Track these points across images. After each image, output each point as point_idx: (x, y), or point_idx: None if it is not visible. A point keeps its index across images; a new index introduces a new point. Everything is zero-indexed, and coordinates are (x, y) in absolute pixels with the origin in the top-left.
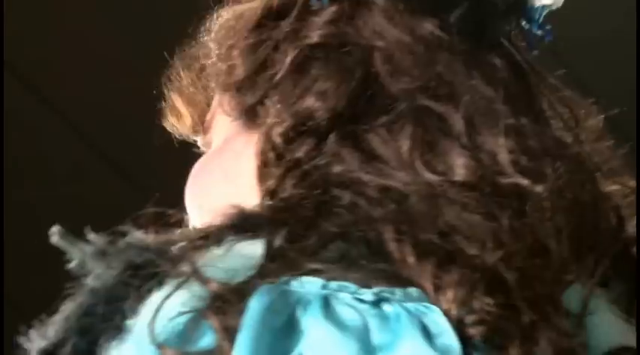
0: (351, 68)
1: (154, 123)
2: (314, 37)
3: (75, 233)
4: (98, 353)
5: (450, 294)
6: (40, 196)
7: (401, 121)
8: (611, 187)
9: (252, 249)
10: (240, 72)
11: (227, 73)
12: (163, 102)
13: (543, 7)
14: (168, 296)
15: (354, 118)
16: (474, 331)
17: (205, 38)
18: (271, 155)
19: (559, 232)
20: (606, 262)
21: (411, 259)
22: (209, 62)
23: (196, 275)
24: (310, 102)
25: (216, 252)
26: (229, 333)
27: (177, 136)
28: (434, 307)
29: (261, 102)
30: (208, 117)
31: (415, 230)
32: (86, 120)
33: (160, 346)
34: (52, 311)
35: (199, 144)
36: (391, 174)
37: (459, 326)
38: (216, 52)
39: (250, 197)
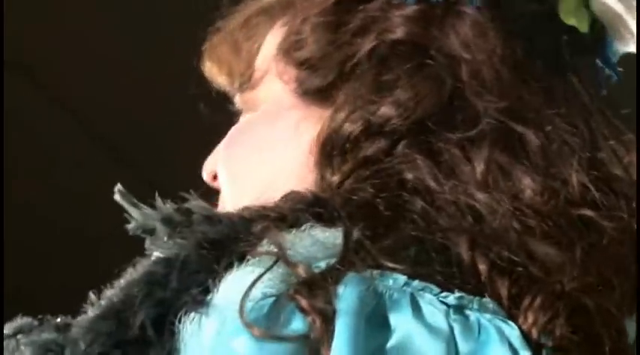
0: (440, 78)
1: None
2: (398, 32)
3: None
4: (170, 324)
5: (530, 317)
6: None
7: (480, 139)
8: None
9: (328, 237)
10: (314, 49)
11: (295, 45)
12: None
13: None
14: (258, 278)
15: (432, 129)
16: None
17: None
18: (337, 147)
19: (621, 267)
20: None
21: (484, 272)
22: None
23: (283, 257)
24: (389, 109)
25: (296, 235)
26: (322, 317)
27: (213, 91)
28: (513, 323)
29: (333, 87)
30: (258, 74)
31: (490, 246)
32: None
33: (249, 325)
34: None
35: (237, 100)
36: (468, 192)
37: (537, 351)
38: (283, 17)
39: (296, 177)
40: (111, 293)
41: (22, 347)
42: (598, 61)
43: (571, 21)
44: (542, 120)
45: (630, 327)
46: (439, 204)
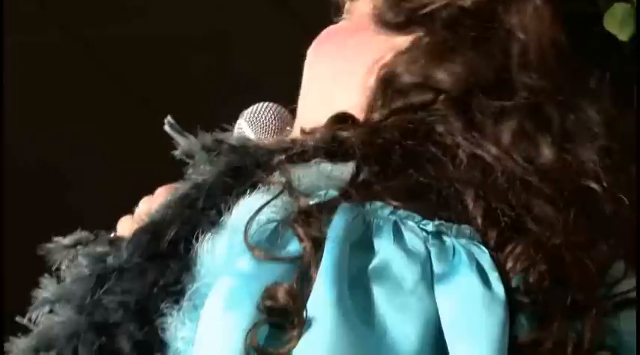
0: (492, 53)
1: None
2: (468, 1)
3: None
4: (194, 241)
5: (510, 263)
6: None
7: (513, 109)
8: None
9: (334, 171)
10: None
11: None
12: None
13: None
14: (264, 204)
15: (474, 93)
16: (525, 299)
17: None
18: (391, 88)
19: (613, 236)
20: None
21: (480, 219)
22: None
23: (289, 189)
24: (443, 75)
25: (305, 168)
26: (313, 243)
27: None
28: (485, 249)
29: (400, 27)
30: None
31: (491, 198)
32: None
33: (251, 247)
34: None
35: (346, 7)
36: (486, 148)
37: (512, 292)
38: None
39: (353, 93)
40: (155, 209)
41: (80, 257)
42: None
43: (611, 28)
44: (571, 106)
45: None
46: (457, 157)
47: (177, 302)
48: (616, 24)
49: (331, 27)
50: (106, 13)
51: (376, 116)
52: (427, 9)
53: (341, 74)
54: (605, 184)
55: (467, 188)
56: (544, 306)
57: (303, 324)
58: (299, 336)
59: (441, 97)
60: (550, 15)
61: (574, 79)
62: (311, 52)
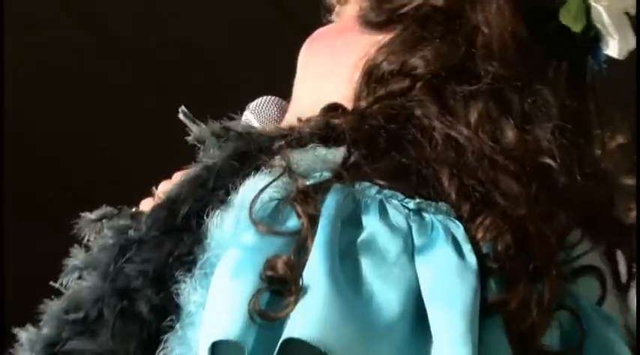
0: (458, 43)
1: None
2: (440, 1)
3: None
4: (205, 217)
5: (480, 233)
6: None
7: (479, 94)
8: (626, 184)
9: (328, 155)
10: None
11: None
12: None
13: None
14: (267, 185)
15: (445, 79)
16: (494, 265)
17: None
18: (373, 77)
19: (569, 206)
20: (601, 232)
21: (452, 195)
22: None
23: (289, 171)
24: (417, 61)
25: (302, 152)
26: (310, 219)
27: None
28: (460, 224)
29: (381, 26)
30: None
31: (463, 176)
32: None
33: (255, 222)
34: None
35: (335, 11)
36: (458, 129)
37: (482, 259)
38: None
39: (342, 85)
40: (170, 188)
41: (105, 230)
42: (589, 58)
43: (567, 21)
44: (529, 91)
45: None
46: (433, 138)
47: (189, 270)
48: (570, 18)
49: (321, 29)
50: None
51: (363, 104)
52: (405, 9)
53: (330, 70)
54: (559, 160)
55: (443, 167)
56: (510, 271)
57: (299, 291)
58: (296, 302)
59: (419, 84)
60: (511, 11)
61: (533, 67)
62: (303, 51)
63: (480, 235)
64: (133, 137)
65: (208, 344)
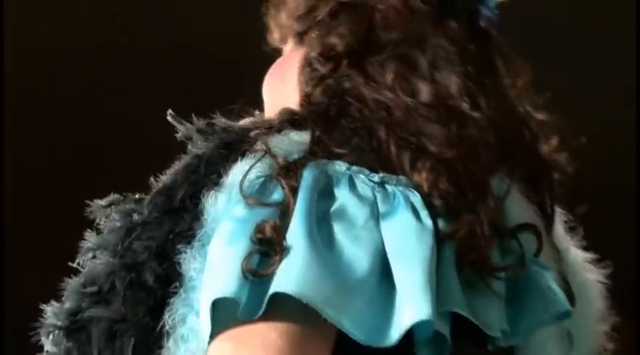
0: (361, 21)
1: None
2: None
3: None
4: (199, 198)
5: (423, 175)
6: None
7: (389, 59)
8: (535, 119)
9: (300, 137)
10: (300, 10)
11: (293, 9)
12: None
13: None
14: (252, 166)
15: (360, 53)
16: (438, 202)
17: None
18: (307, 69)
19: (487, 141)
20: (520, 164)
21: (393, 149)
22: (289, 6)
23: (269, 152)
24: (334, 39)
25: (279, 137)
26: (292, 191)
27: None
28: (416, 192)
29: (305, 32)
30: (284, 35)
31: (397, 130)
32: None
33: (245, 196)
34: None
35: (284, 50)
36: (383, 93)
37: (428, 198)
38: (292, 2)
39: (293, 94)
40: (165, 177)
41: (113, 214)
42: (481, 8)
43: None
44: (431, 47)
45: (494, 183)
46: (366, 103)
47: (189, 243)
48: None
49: (276, 61)
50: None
51: (308, 91)
52: (320, 12)
53: (283, 87)
54: (468, 100)
55: (379, 126)
56: (454, 206)
57: (282, 251)
58: (280, 260)
59: (343, 63)
60: None
61: (429, 26)
62: (265, 79)
63: (423, 177)
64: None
65: (209, 302)
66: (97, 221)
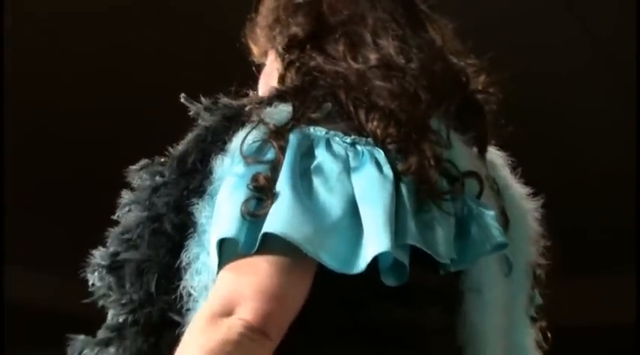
0: (313, 12)
1: None
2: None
3: None
4: (210, 161)
5: (375, 124)
6: None
7: (340, 38)
8: (462, 63)
9: (286, 108)
10: (269, 21)
11: (264, 23)
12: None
13: None
14: (249, 133)
15: (318, 37)
16: (391, 146)
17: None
18: (279, 60)
19: (425, 86)
20: (455, 104)
21: (352, 108)
22: (260, 24)
23: (262, 121)
24: (295, 29)
25: (270, 109)
26: (282, 150)
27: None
28: (380, 150)
29: (274, 37)
30: (263, 49)
31: (353, 93)
32: None
33: (245, 157)
34: None
35: (266, 62)
36: (340, 64)
37: (382, 143)
38: (262, 20)
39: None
40: (179, 145)
41: (144, 175)
42: None
43: None
44: (370, 20)
45: (433, 123)
46: (328, 75)
47: (200, 197)
48: None
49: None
50: None
51: (286, 75)
52: (284, 16)
53: (270, 80)
54: (402, 56)
55: (340, 91)
56: (404, 146)
57: (272, 196)
58: (271, 204)
59: (307, 47)
60: None
61: (368, 6)
62: (259, 80)
63: (375, 126)
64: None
65: (216, 242)
66: (132, 182)
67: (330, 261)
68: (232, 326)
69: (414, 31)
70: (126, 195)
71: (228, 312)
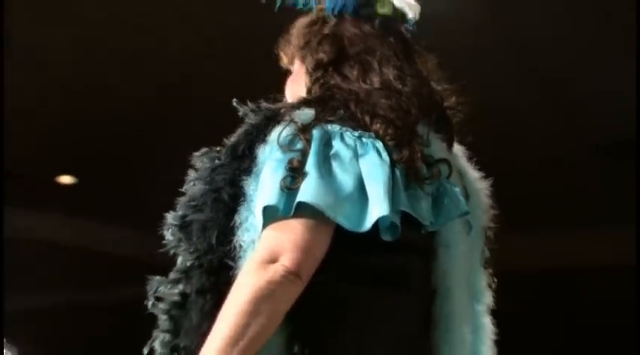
0: (336, 42)
1: None
2: (326, 30)
3: None
4: (255, 149)
5: (377, 127)
6: None
7: (355, 64)
8: (439, 88)
9: (310, 112)
10: (300, 42)
11: (296, 43)
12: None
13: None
14: (283, 129)
15: (338, 62)
16: (389, 142)
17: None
18: (307, 76)
19: (414, 104)
20: (435, 116)
21: (359, 115)
22: (293, 42)
23: (293, 120)
24: (321, 55)
25: (298, 112)
26: (307, 142)
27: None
28: (380, 141)
29: (304, 56)
30: (291, 59)
31: (361, 104)
32: None
33: (280, 146)
34: None
35: (292, 69)
36: (352, 84)
37: (383, 139)
38: (295, 39)
39: (302, 91)
40: (233, 138)
41: (204, 159)
42: (405, 26)
43: (382, 11)
44: (378, 53)
45: (420, 128)
46: (344, 91)
47: (249, 175)
48: (381, 10)
49: (291, 76)
50: None
51: (309, 87)
52: (313, 42)
53: (297, 87)
54: (399, 82)
55: (351, 103)
56: (399, 142)
57: (303, 175)
58: (302, 180)
59: (329, 69)
60: (353, 21)
61: (375, 41)
62: (287, 85)
63: (378, 128)
64: None
65: (261, 208)
66: (195, 164)
67: (345, 222)
68: (276, 270)
69: (409, 63)
70: (191, 174)
71: (272, 260)
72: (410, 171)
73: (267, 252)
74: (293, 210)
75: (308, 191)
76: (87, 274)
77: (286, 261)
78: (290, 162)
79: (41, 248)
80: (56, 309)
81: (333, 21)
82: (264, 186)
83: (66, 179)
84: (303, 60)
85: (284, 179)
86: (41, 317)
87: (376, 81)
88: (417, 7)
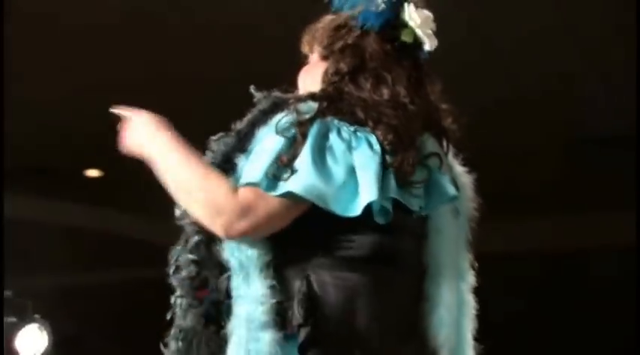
0: (358, 54)
1: None
2: (349, 39)
3: None
4: (255, 131)
5: (380, 131)
6: None
7: (369, 77)
8: (440, 108)
9: (314, 105)
10: (324, 42)
11: (320, 39)
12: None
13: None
14: (285, 115)
15: (355, 72)
16: (388, 147)
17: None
18: (325, 76)
19: (418, 119)
20: (434, 129)
21: (363, 118)
22: (316, 34)
23: (296, 110)
24: (342, 65)
25: (304, 104)
26: (302, 135)
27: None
28: (374, 135)
29: (327, 57)
30: (312, 48)
31: (368, 110)
32: None
33: (279, 131)
34: None
35: (310, 56)
36: (363, 93)
37: (384, 143)
38: (319, 32)
39: (313, 86)
40: (243, 120)
41: (220, 141)
42: (420, 53)
43: (405, 38)
44: (393, 71)
45: (422, 141)
46: (353, 97)
47: (244, 153)
48: (406, 36)
49: (305, 66)
50: None
51: (323, 86)
52: (335, 47)
53: (310, 80)
54: (407, 99)
55: (358, 109)
56: (395, 147)
57: (291, 164)
58: (290, 169)
59: (346, 78)
60: (378, 37)
61: (392, 60)
62: (300, 75)
63: (380, 132)
64: None
65: (244, 183)
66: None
67: (336, 208)
68: (230, 222)
69: (419, 86)
70: (209, 153)
71: (242, 214)
72: (399, 175)
73: (241, 209)
74: (278, 194)
75: (299, 181)
76: (114, 256)
77: (241, 227)
78: (280, 157)
79: (71, 234)
80: (81, 288)
81: (358, 32)
82: (253, 164)
83: (93, 172)
84: (321, 56)
85: (270, 167)
86: (71, 294)
87: (386, 93)
88: (436, 41)
